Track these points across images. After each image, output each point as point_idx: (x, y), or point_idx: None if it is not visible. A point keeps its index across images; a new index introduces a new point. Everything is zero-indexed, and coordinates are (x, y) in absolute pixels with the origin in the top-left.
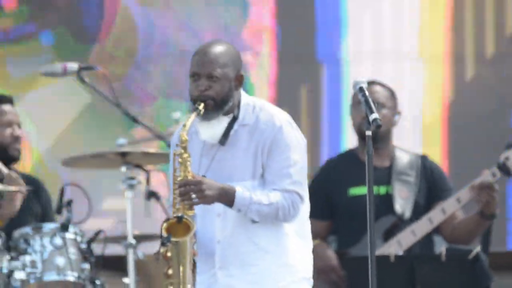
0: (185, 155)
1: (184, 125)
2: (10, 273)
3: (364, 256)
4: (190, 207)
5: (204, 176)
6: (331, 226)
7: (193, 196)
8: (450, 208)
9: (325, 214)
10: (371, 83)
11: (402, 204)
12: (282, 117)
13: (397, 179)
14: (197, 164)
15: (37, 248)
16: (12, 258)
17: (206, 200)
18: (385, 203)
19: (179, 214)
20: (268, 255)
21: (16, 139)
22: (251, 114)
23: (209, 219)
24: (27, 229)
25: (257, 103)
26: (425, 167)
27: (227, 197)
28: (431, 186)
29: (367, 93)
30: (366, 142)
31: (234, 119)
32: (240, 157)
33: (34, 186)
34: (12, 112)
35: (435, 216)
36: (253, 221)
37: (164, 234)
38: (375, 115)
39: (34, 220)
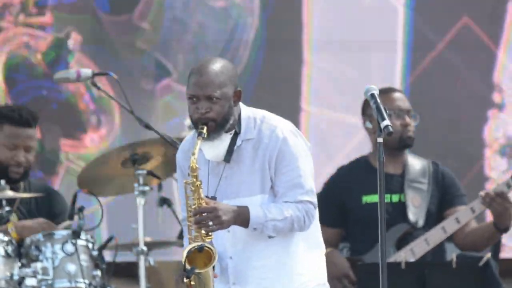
0: (198, 183)
1: (193, 153)
2: (21, 280)
3: (375, 263)
4: (207, 234)
5: (214, 196)
6: (343, 233)
7: (210, 223)
8: (464, 217)
9: (337, 222)
10: (390, 90)
11: (415, 212)
12: (284, 127)
13: (410, 187)
14: (205, 184)
15: (48, 255)
16: (23, 265)
17: (223, 226)
18: (398, 211)
19: (200, 243)
20: (281, 268)
21: (17, 164)
22: (253, 128)
23: (220, 235)
24: (38, 236)
25: (257, 115)
26: (437, 174)
27: (242, 219)
28: (443, 192)
29: (378, 100)
30: (378, 149)
31: (236, 134)
32: (246, 172)
33: (46, 194)
34: (26, 136)
35: (449, 225)
36: (270, 236)
37: (187, 265)
38: (386, 122)
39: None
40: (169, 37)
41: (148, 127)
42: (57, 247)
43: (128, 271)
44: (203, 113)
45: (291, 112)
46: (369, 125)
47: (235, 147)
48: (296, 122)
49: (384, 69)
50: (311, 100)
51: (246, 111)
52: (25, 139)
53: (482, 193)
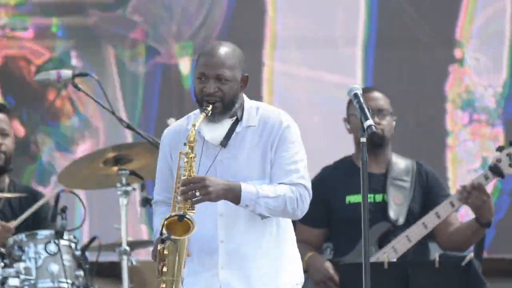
0: (192, 155)
1: (193, 125)
2: (4, 280)
3: (358, 263)
4: (192, 207)
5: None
6: (327, 233)
7: (197, 193)
8: (444, 212)
9: (322, 222)
10: (369, 90)
11: (396, 210)
12: (287, 116)
13: (392, 185)
14: (197, 163)
15: (31, 255)
16: (6, 265)
17: (210, 196)
18: (380, 210)
19: (181, 212)
20: (269, 259)
21: None
22: (255, 116)
23: (210, 219)
24: (21, 236)
25: (260, 105)
26: (421, 173)
27: (233, 194)
28: (427, 192)
29: (362, 99)
30: (361, 149)
31: (237, 121)
32: (244, 158)
33: (31, 196)
34: None
35: (429, 220)
36: (263, 217)
37: (164, 231)
38: (370, 122)
39: (27, 230)
40: None
41: (129, 127)
42: (40, 247)
43: (111, 271)
44: (211, 93)
45: None
46: (347, 125)
47: (234, 133)
48: None
49: None
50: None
51: (248, 101)
52: (1, 122)
53: (459, 187)
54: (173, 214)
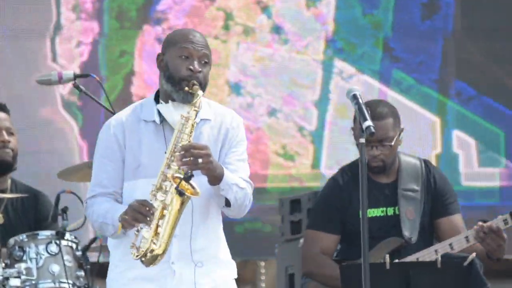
0: (194, 121)
1: (197, 94)
2: (5, 280)
3: (359, 263)
4: (190, 173)
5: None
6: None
7: (200, 160)
8: (458, 245)
9: (338, 229)
10: (378, 118)
11: (409, 226)
12: (237, 115)
13: (403, 197)
14: (148, 149)
15: (32, 255)
16: (7, 266)
17: (210, 167)
18: (393, 224)
19: (189, 173)
20: (217, 253)
21: (3, 144)
22: (209, 110)
23: None
24: (22, 237)
25: (210, 101)
26: (429, 178)
27: (220, 170)
28: (435, 199)
29: (360, 100)
30: (360, 150)
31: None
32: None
33: (33, 196)
34: (2, 118)
35: (442, 249)
36: (226, 205)
37: (172, 181)
38: (368, 123)
39: (29, 230)
40: None
41: None
42: (41, 247)
43: None
44: (196, 70)
45: None
46: (354, 136)
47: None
48: None
49: None
50: None
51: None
52: (4, 121)
53: (477, 226)
54: (177, 175)
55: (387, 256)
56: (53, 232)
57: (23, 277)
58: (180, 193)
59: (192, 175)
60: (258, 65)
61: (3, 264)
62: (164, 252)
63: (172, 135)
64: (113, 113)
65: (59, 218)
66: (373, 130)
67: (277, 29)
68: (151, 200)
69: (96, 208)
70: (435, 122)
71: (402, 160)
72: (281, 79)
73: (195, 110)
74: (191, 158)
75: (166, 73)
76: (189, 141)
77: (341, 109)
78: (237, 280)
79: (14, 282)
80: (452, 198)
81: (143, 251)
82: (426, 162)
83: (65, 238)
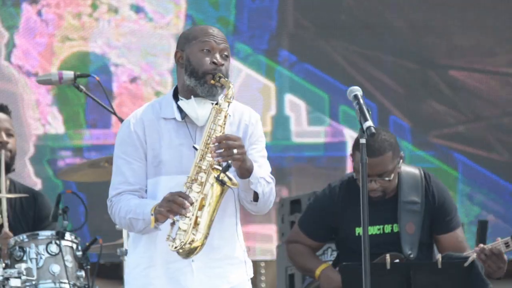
0: (227, 113)
1: (229, 86)
2: (6, 280)
3: (359, 263)
4: (220, 164)
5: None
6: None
7: (235, 151)
8: None
9: (322, 238)
10: (377, 154)
11: (409, 242)
12: (255, 111)
13: (404, 210)
14: (168, 146)
15: (32, 255)
16: (7, 266)
17: (244, 158)
18: (392, 242)
19: (228, 163)
20: (232, 251)
21: (1, 144)
22: (227, 106)
23: None
24: (22, 237)
25: None
26: (428, 193)
27: (250, 163)
28: (434, 214)
29: (361, 101)
30: (360, 150)
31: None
32: None
33: (32, 196)
34: (2, 119)
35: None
36: (253, 200)
37: (212, 171)
38: (369, 123)
39: (28, 230)
40: None
41: None
42: (41, 247)
43: (112, 271)
44: (220, 63)
45: None
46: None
47: None
48: None
49: None
50: None
51: None
52: (4, 122)
53: (477, 248)
54: (216, 167)
55: (388, 256)
56: (53, 232)
57: (23, 277)
58: (222, 182)
59: (230, 165)
60: (122, 39)
61: (4, 264)
62: (203, 244)
63: (195, 131)
64: (113, 113)
65: (59, 218)
66: (373, 130)
67: (139, 8)
68: (186, 192)
69: (123, 205)
70: (270, 87)
71: (402, 170)
72: (142, 50)
73: (227, 101)
74: (226, 150)
75: (189, 68)
76: (222, 133)
77: None
78: None
79: (15, 282)
80: (452, 213)
81: (182, 242)
82: (425, 174)
83: (66, 238)
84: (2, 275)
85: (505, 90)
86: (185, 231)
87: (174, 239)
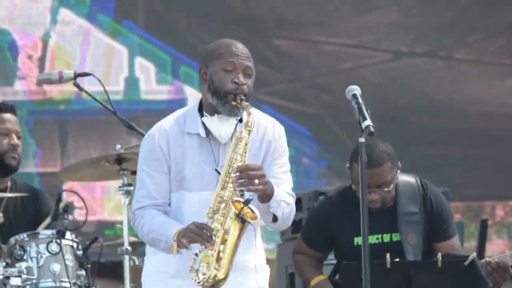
0: (247, 141)
1: (249, 113)
2: (6, 279)
3: (359, 262)
4: (241, 195)
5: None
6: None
7: (256, 181)
8: None
9: (325, 249)
10: (375, 165)
11: (412, 252)
12: (279, 124)
13: (404, 222)
14: (192, 162)
15: (33, 254)
16: (8, 265)
17: (266, 187)
18: (396, 250)
19: (248, 197)
20: (251, 259)
21: (13, 147)
22: (251, 120)
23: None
24: (23, 236)
25: (251, 110)
26: (426, 202)
27: (271, 189)
28: (432, 223)
29: (360, 100)
30: (359, 149)
31: (239, 121)
32: (247, 161)
33: (33, 195)
34: (12, 121)
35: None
36: (273, 221)
37: (233, 207)
38: (367, 122)
39: (29, 228)
40: None
41: (131, 127)
42: (42, 246)
43: (113, 270)
44: (241, 83)
45: None
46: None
47: (235, 133)
48: None
49: None
50: None
51: None
52: (14, 124)
53: (484, 261)
54: (236, 198)
55: (388, 255)
56: (54, 231)
57: (24, 276)
58: (242, 220)
59: (251, 199)
60: None
61: (4, 263)
62: (226, 277)
63: (218, 148)
64: (113, 112)
65: (60, 217)
66: (372, 130)
67: None
68: (208, 223)
69: (147, 221)
70: (123, 51)
71: (399, 180)
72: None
73: (248, 129)
74: (247, 180)
75: (211, 86)
76: (243, 162)
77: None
78: None
79: (15, 281)
80: (449, 221)
81: (205, 277)
82: (422, 182)
83: (66, 237)
84: (3, 274)
85: (318, 54)
86: (208, 263)
87: (197, 272)
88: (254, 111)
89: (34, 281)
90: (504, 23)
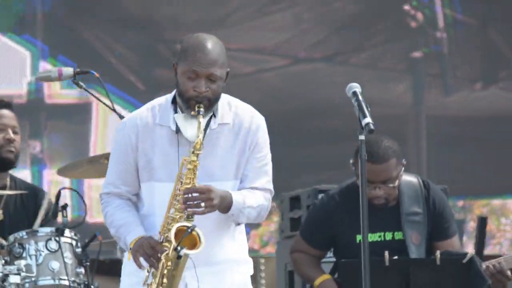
0: (197, 162)
1: (200, 132)
2: (5, 277)
3: (358, 260)
4: (190, 216)
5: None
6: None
7: (202, 204)
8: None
9: (326, 247)
10: (373, 161)
11: (416, 251)
12: (259, 114)
13: (407, 222)
14: (161, 153)
15: (32, 252)
16: (6, 263)
17: (213, 209)
18: (399, 249)
19: (192, 225)
20: (230, 253)
21: (9, 141)
22: (229, 112)
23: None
24: (22, 233)
25: (230, 99)
26: (428, 202)
27: (226, 203)
28: (434, 222)
29: (360, 97)
30: (359, 147)
31: (210, 117)
32: (222, 156)
33: (32, 192)
34: (8, 116)
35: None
36: (238, 224)
37: (174, 240)
38: (367, 120)
39: (29, 226)
40: None
41: None
42: (41, 244)
43: (112, 268)
44: (202, 92)
45: None
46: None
47: (209, 130)
48: None
49: None
50: None
51: (222, 95)
52: (10, 119)
53: (484, 265)
54: (183, 225)
55: (387, 253)
56: (53, 229)
57: (22, 274)
58: (178, 256)
59: (193, 228)
60: None
61: (3, 261)
62: None
63: (186, 146)
64: (113, 110)
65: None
66: (372, 127)
67: None
68: (160, 239)
69: (110, 211)
70: (26, 55)
71: (402, 180)
72: None
73: (196, 153)
74: (193, 204)
75: (178, 87)
76: (192, 184)
77: None
78: None
79: (14, 279)
80: (451, 220)
81: None
82: (424, 182)
83: (65, 235)
84: (2, 272)
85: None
86: (156, 282)
87: (149, 286)
88: (234, 101)
89: (33, 279)
90: (399, 29)
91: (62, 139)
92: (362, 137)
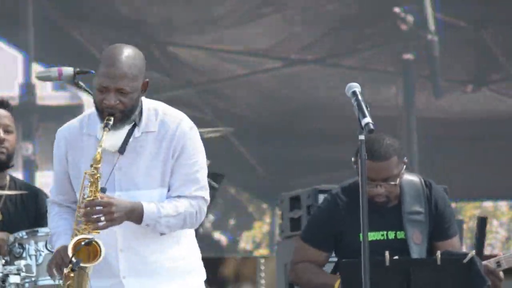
0: (98, 175)
1: (100, 145)
2: (5, 277)
3: (359, 260)
4: (96, 228)
5: (104, 188)
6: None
7: (102, 218)
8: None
9: (329, 247)
10: (382, 159)
11: (417, 251)
12: (188, 121)
13: (408, 221)
14: (89, 162)
15: (32, 252)
16: (6, 263)
17: (114, 223)
18: (401, 248)
19: (90, 238)
20: (176, 262)
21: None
22: (154, 121)
23: (110, 227)
24: (22, 234)
25: (159, 107)
26: (430, 202)
27: (135, 215)
28: (435, 222)
29: (360, 97)
30: (359, 147)
31: (135, 126)
32: (146, 165)
33: (32, 193)
34: (1, 115)
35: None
36: (161, 233)
37: (71, 253)
38: (367, 120)
39: (29, 226)
40: None
41: None
42: (41, 244)
43: None
44: (112, 105)
45: None
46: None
47: (132, 138)
48: None
49: None
50: None
51: (147, 103)
52: (2, 118)
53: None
54: (81, 238)
55: (387, 253)
56: None
57: (22, 274)
58: (72, 269)
59: (92, 241)
60: None
61: (3, 261)
62: None
63: (109, 155)
64: None
65: None
66: (372, 127)
67: None
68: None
69: (49, 219)
70: (18, 57)
71: (403, 180)
72: None
73: (95, 166)
74: (93, 217)
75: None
76: (94, 197)
77: None
78: (237, 277)
79: (14, 279)
80: (451, 220)
81: None
82: (426, 182)
83: None
84: (2, 272)
85: (210, 61)
86: None
87: None
88: (161, 108)
89: (33, 279)
90: (391, 31)
91: (54, 141)
92: (362, 137)
